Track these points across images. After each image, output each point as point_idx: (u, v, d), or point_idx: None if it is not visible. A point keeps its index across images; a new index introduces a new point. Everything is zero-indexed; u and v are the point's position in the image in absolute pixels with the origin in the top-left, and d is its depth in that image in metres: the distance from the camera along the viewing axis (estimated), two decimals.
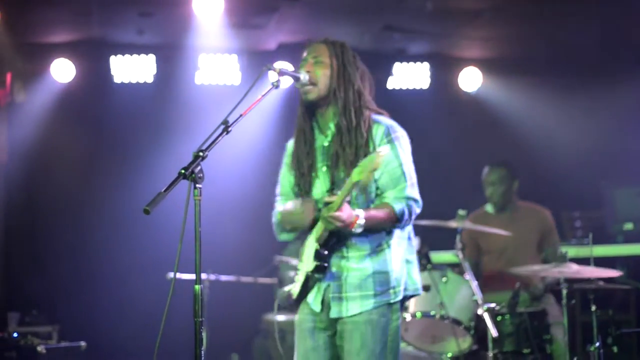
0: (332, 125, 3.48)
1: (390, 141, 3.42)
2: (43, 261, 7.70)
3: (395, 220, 3.38)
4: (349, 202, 3.31)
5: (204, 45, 7.63)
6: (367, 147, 3.40)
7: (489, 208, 6.38)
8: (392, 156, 3.37)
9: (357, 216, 3.29)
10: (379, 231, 3.42)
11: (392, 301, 3.44)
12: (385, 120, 3.52)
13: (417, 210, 3.44)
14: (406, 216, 3.38)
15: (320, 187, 3.52)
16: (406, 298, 3.54)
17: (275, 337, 6.15)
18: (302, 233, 3.60)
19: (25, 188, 7.73)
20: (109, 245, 7.61)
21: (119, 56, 7.67)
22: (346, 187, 3.23)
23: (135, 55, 7.69)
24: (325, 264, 3.42)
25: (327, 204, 3.33)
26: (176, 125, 7.73)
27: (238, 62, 7.74)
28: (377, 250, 3.45)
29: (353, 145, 3.41)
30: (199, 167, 3.02)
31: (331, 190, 3.46)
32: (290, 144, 3.66)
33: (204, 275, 6.31)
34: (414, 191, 3.44)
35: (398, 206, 3.37)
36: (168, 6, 6.88)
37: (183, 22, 7.07)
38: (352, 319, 3.42)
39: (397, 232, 3.49)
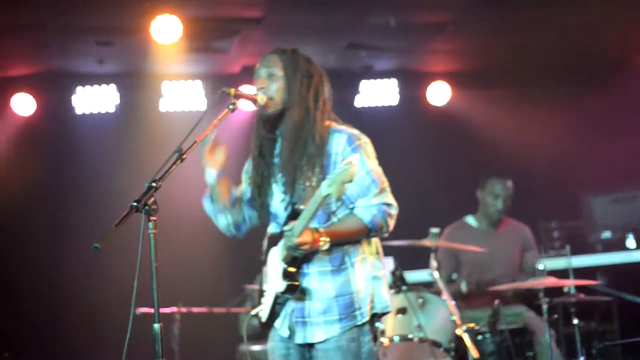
0: (288, 136, 3.33)
1: (354, 149, 3.29)
2: (13, 303, 7.49)
3: (368, 231, 3.27)
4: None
5: (167, 71, 7.58)
6: (320, 157, 3.28)
7: (471, 221, 6.25)
8: (359, 165, 3.22)
9: (320, 234, 3.18)
10: (342, 246, 3.28)
11: (359, 323, 3.28)
12: (347, 129, 3.38)
13: (393, 212, 3.31)
14: (380, 223, 3.26)
15: (278, 197, 3.40)
16: (376, 316, 3.37)
17: None
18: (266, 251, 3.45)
19: None
20: (77, 280, 7.43)
21: (80, 87, 7.57)
22: (314, 202, 3.07)
23: (96, 86, 7.59)
24: (296, 282, 3.27)
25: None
26: (142, 155, 7.57)
27: (203, 88, 7.63)
28: (339, 268, 3.30)
29: (309, 155, 3.28)
30: (152, 199, 2.87)
31: (291, 200, 3.33)
32: (249, 162, 3.54)
33: (174, 309, 6.15)
34: (386, 196, 3.31)
35: (367, 216, 3.25)
36: (126, 34, 6.78)
37: (143, 49, 6.98)
38: (322, 346, 3.28)
39: (362, 249, 3.35)
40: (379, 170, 3.35)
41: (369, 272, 3.34)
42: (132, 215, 2.84)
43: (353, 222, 3.27)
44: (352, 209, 3.30)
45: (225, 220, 3.51)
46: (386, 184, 3.33)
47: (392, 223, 3.31)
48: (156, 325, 2.82)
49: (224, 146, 3.36)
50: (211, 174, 3.38)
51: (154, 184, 2.90)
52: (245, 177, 3.56)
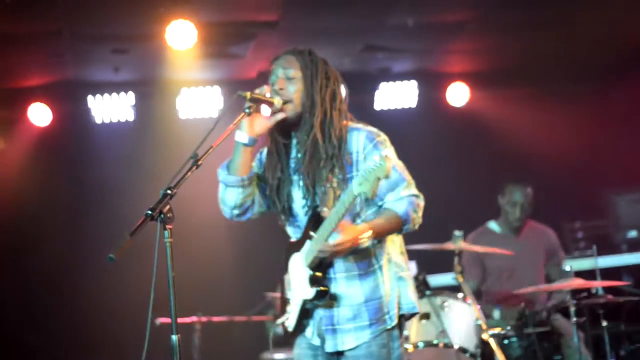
0: (307, 139, 3.24)
1: (375, 145, 3.20)
2: (35, 311, 7.56)
3: (402, 223, 3.17)
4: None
5: (183, 78, 7.54)
6: (340, 158, 3.19)
7: (494, 226, 6.15)
8: None
9: (361, 231, 3.07)
10: (368, 248, 3.18)
11: (389, 327, 3.21)
12: (364, 126, 3.30)
13: (422, 203, 3.21)
14: (412, 214, 3.15)
15: (298, 201, 3.30)
16: (404, 318, 3.30)
17: None
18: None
19: (10, 237, 7.59)
20: (95, 290, 7.40)
21: (97, 96, 7.55)
22: (342, 203, 2.97)
23: (114, 94, 7.56)
24: (326, 288, 3.19)
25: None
26: (160, 162, 7.53)
27: (222, 94, 7.58)
28: (367, 272, 3.23)
29: (327, 157, 3.19)
30: (168, 207, 2.79)
31: (312, 204, 3.23)
32: (263, 155, 3.43)
33: (194, 318, 6.09)
34: (413, 189, 3.22)
35: (401, 208, 3.15)
36: (141, 41, 6.76)
37: (158, 56, 6.94)
38: (352, 353, 3.21)
39: (387, 249, 3.27)
40: (402, 164, 3.26)
41: (394, 273, 3.27)
42: (151, 224, 2.77)
43: (389, 215, 3.16)
44: (380, 206, 3.21)
45: (235, 197, 3.30)
46: (410, 178, 3.24)
47: (421, 215, 3.21)
48: (174, 337, 2.76)
49: (267, 123, 3.24)
50: (242, 135, 3.23)
51: (169, 192, 2.83)
52: (256, 165, 3.44)
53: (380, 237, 3.15)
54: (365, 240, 3.07)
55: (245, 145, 3.23)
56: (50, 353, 7.28)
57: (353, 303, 3.21)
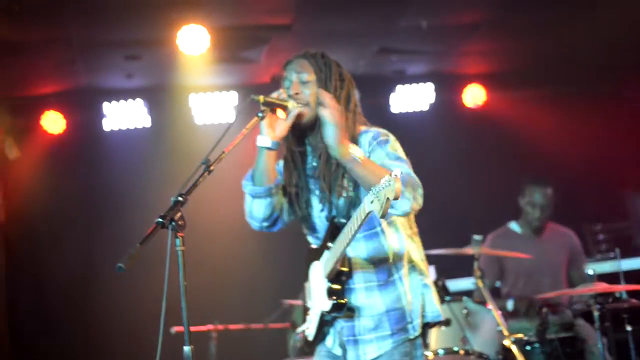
0: (321, 142, 3.16)
1: (379, 143, 3.11)
2: (50, 319, 7.56)
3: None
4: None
5: (196, 84, 7.49)
6: None
7: (515, 227, 6.05)
8: (383, 155, 3.06)
9: (354, 147, 2.97)
10: (387, 259, 3.11)
11: (411, 337, 3.14)
12: (375, 128, 3.23)
13: (421, 190, 2.97)
14: (406, 179, 2.90)
15: (317, 209, 3.25)
16: (428, 326, 3.23)
17: None
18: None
19: (25, 245, 7.62)
20: (112, 297, 7.36)
21: (111, 102, 7.52)
22: (356, 219, 2.87)
23: (130, 100, 7.54)
24: (343, 301, 3.12)
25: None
26: (176, 169, 7.48)
27: (238, 100, 7.54)
28: (387, 282, 3.16)
29: (341, 166, 3.11)
30: (179, 214, 2.72)
31: (329, 213, 3.18)
32: (280, 166, 3.35)
33: (210, 326, 6.03)
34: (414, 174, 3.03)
35: (399, 171, 2.85)
36: (153, 46, 6.70)
37: (171, 62, 6.89)
38: None
39: (407, 259, 3.19)
40: (407, 160, 3.11)
41: (418, 282, 3.21)
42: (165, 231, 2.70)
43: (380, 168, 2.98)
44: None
45: (263, 209, 3.24)
46: (413, 173, 3.04)
47: (421, 196, 2.96)
48: (186, 348, 2.68)
49: (286, 123, 3.15)
50: (265, 139, 3.16)
51: (180, 198, 2.76)
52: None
53: (364, 173, 2.94)
54: (351, 154, 2.94)
55: (269, 149, 3.17)
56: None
57: (374, 313, 3.15)
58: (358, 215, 2.87)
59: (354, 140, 3.13)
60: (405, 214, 2.95)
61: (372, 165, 2.97)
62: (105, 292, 7.38)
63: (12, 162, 7.57)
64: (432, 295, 3.23)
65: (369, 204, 2.75)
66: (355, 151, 2.97)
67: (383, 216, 2.71)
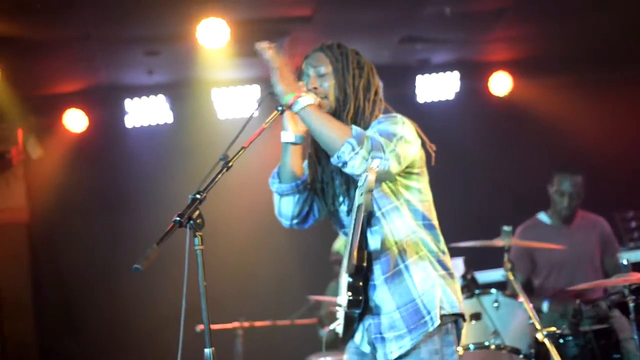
0: None
1: (379, 121, 3.03)
2: (74, 317, 7.62)
3: (348, 135, 2.86)
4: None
5: (218, 78, 7.43)
6: None
7: (544, 218, 5.90)
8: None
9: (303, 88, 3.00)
10: (389, 247, 3.01)
11: (431, 329, 3.00)
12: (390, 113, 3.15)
13: (387, 157, 2.86)
14: (361, 137, 2.84)
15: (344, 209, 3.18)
16: (450, 319, 3.07)
17: None
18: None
19: (51, 245, 7.66)
20: (139, 296, 7.36)
21: (135, 99, 7.49)
22: (358, 212, 2.83)
23: (151, 96, 7.50)
24: (360, 297, 3.01)
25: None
26: (202, 164, 7.40)
27: (260, 92, 7.48)
28: (393, 272, 3.03)
29: None
30: (197, 212, 2.64)
31: (350, 207, 3.09)
32: (305, 163, 3.28)
33: (236, 324, 5.98)
34: (388, 145, 2.90)
35: (358, 129, 2.88)
36: (173, 41, 6.65)
37: (191, 57, 6.83)
38: None
39: (415, 248, 3.05)
40: (400, 134, 2.97)
41: (431, 272, 3.06)
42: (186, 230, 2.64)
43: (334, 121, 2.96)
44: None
45: (292, 206, 3.17)
46: (399, 148, 2.93)
47: (378, 157, 2.85)
48: (207, 350, 2.62)
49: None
50: (289, 134, 3.11)
51: (198, 196, 2.68)
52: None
53: (317, 125, 2.91)
54: (297, 95, 2.93)
55: (294, 144, 3.12)
56: (89, 359, 7.33)
57: (386, 312, 3.05)
58: (358, 209, 2.83)
59: (367, 127, 3.05)
60: (384, 173, 2.89)
61: (325, 118, 2.95)
62: (129, 290, 7.36)
63: (36, 162, 7.60)
64: (450, 287, 3.10)
65: (359, 197, 2.76)
66: (306, 98, 2.93)
67: (367, 208, 2.74)
